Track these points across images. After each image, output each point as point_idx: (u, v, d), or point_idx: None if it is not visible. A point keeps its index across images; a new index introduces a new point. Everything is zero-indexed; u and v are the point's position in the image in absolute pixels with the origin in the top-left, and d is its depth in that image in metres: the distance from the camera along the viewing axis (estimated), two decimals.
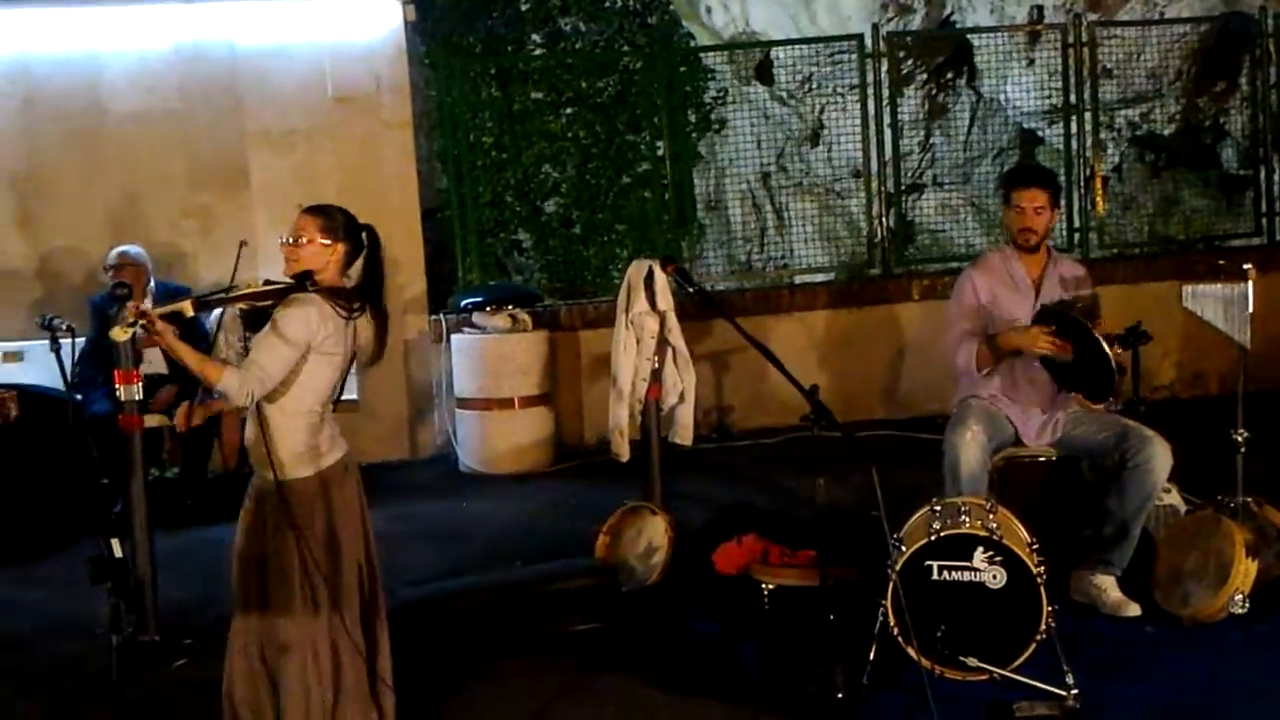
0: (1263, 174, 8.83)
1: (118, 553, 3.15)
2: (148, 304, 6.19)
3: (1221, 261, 4.59)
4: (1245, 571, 4.20)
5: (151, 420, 6.10)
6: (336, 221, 3.51)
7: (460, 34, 9.46)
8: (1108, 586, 4.44)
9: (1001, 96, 9.36)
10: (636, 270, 5.50)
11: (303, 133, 7.60)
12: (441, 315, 7.71)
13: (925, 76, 9.62)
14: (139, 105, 7.44)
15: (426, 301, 7.83)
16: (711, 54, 9.60)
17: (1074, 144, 8.57)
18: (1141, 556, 4.51)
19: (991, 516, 3.99)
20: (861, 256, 8.82)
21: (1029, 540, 4.01)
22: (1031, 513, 4.22)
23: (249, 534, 3.55)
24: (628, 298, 5.51)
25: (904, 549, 3.95)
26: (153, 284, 6.66)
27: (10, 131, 7.38)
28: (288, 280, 3.46)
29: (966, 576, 3.91)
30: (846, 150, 9.17)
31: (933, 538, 3.92)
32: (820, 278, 8.91)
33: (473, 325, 7.47)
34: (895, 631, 3.88)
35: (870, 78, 8.35)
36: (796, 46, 9.28)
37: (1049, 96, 8.85)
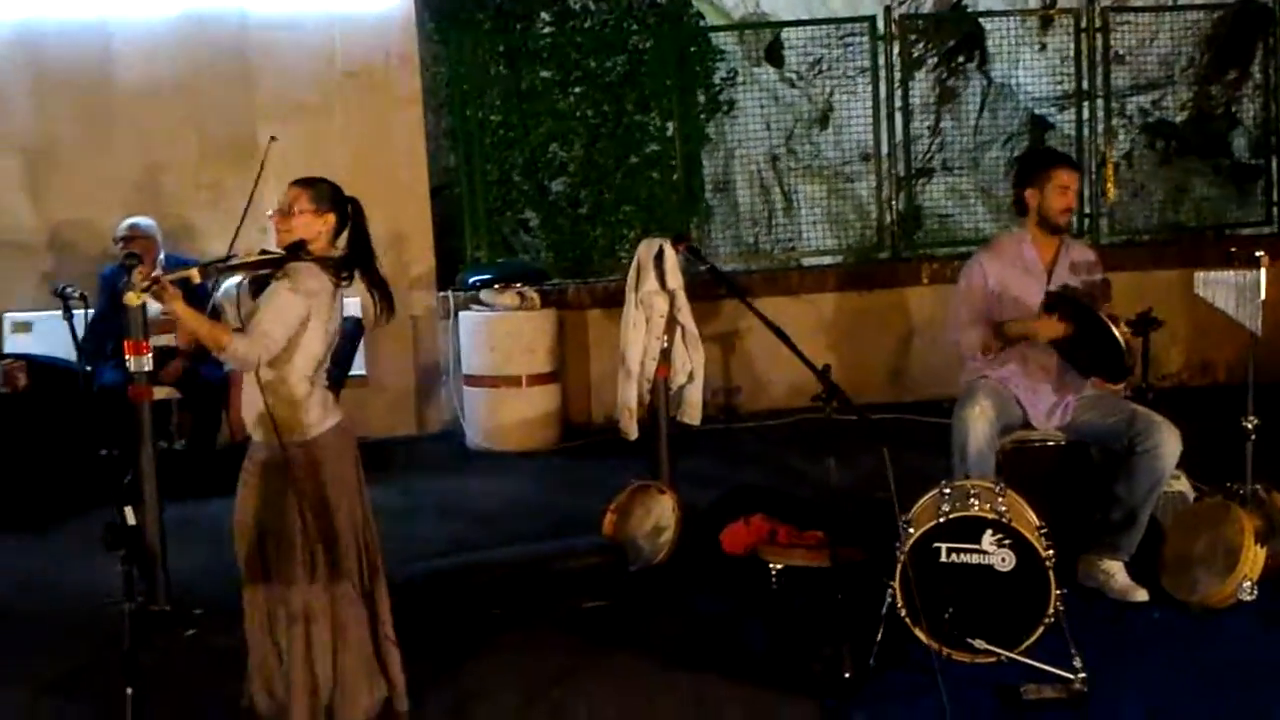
0: (1274, 163, 8.81)
1: (131, 520, 3.17)
2: (158, 271, 6.22)
3: (1234, 249, 4.57)
4: (1254, 558, 4.20)
5: (160, 392, 6.10)
6: (325, 192, 3.61)
7: (469, 10, 9.42)
8: (1115, 571, 4.45)
9: (1013, 82, 9.33)
10: (646, 249, 5.50)
11: (312, 106, 7.57)
12: (449, 292, 7.70)
13: (936, 60, 9.59)
14: (149, 75, 7.42)
15: (435, 278, 7.83)
16: (721, 34, 9.56)
17: (1085, 130, 8.55)
18: (1150, 542, 4.52)
19: (1001, 500, 4.00)
20: (870, 240, 8.80)
21: (1038, 524, 4.01)
22: (1040, 497, 4.23)
23: (248, 503, 3.60)
24: (637, 276, 5.50)
25: (912, 531, 3.95)
26: (163, 256, 6.65)
27: (20, 101, 7.36)
28: (281, 251, 3.53)
29: (975, 559, 3.91)
30: (856, 133, 9.14)
31: (942, 520, 3.92)
32: (828, 260, 8.90)
33: (481, 302, 7.46)
34: (903, 613, 3.88)
35: (881, 60, 8.32)
36: (807, 28, 9.24)
37: (1060, 82, 8.82)
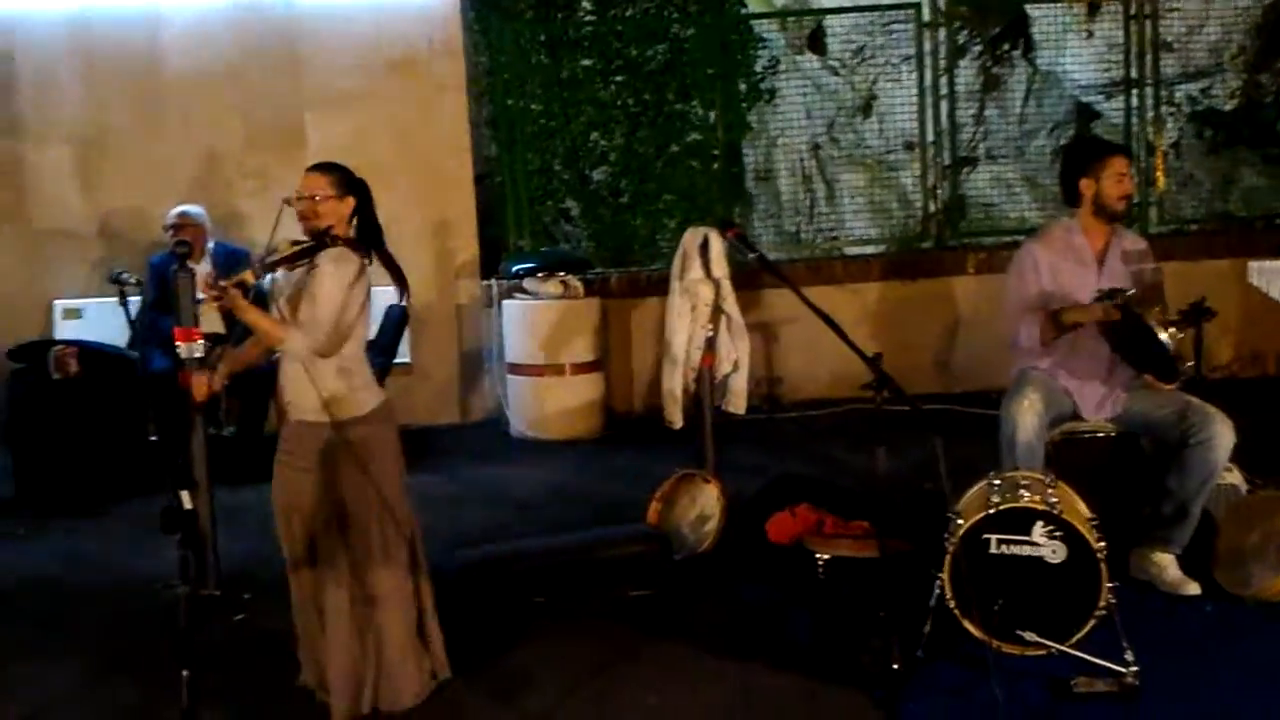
0: None
1: (188, 505, 3.21)
2: (206, 266, 6.30)
3: None
4: None
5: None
6: (344, 177, 3.70)
7: (511, 1, 9.43)
8: (1167, 565, 4.41)
9: (1059, 69, 9.23)
10: (691, 237, 5.50)
11: (358, 94, 7.62)
12: (493, 280, 7.73)
13: (980, 48, 9.51)
14: (197, 64, 7.49)
15: (479, 266, 7.85)
16: (763, 22, 9.51)
17: (1133, 119, 8.45)
18: (1202, 535, 4.47)
19: (1051, 491, 3.96)
20: (913, 229, 8.75)
21: (1089, 516, 3.97)
22: (1090, 489, 4.18)
23: (294, 484, 3.66)
24: (682, 265, 5.50)
25: (961, 522, 3.92)
26: (211, 244, 6.72)
27: (71, 90, 7.45)
28: (308, 240, 3.62)
29: (1025, 551, 3.88)
30: (899, 122, 9.09)
31: (991, 511, 3.89)
32: (870, 250, 8.86)
33: (524, 291, 7.48)
34: (952, 604, 3.86)
35: (927, 47, 8.26)
36: (850, 15, 9.18)
37: (1107, 70, 8.72)
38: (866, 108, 9.82)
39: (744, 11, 9.96)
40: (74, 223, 7.48)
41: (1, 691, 4.03)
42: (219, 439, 6.66)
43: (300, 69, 7.59)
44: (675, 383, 5.40)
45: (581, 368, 7.35)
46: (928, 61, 8.27)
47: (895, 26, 9.06)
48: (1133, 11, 8.34)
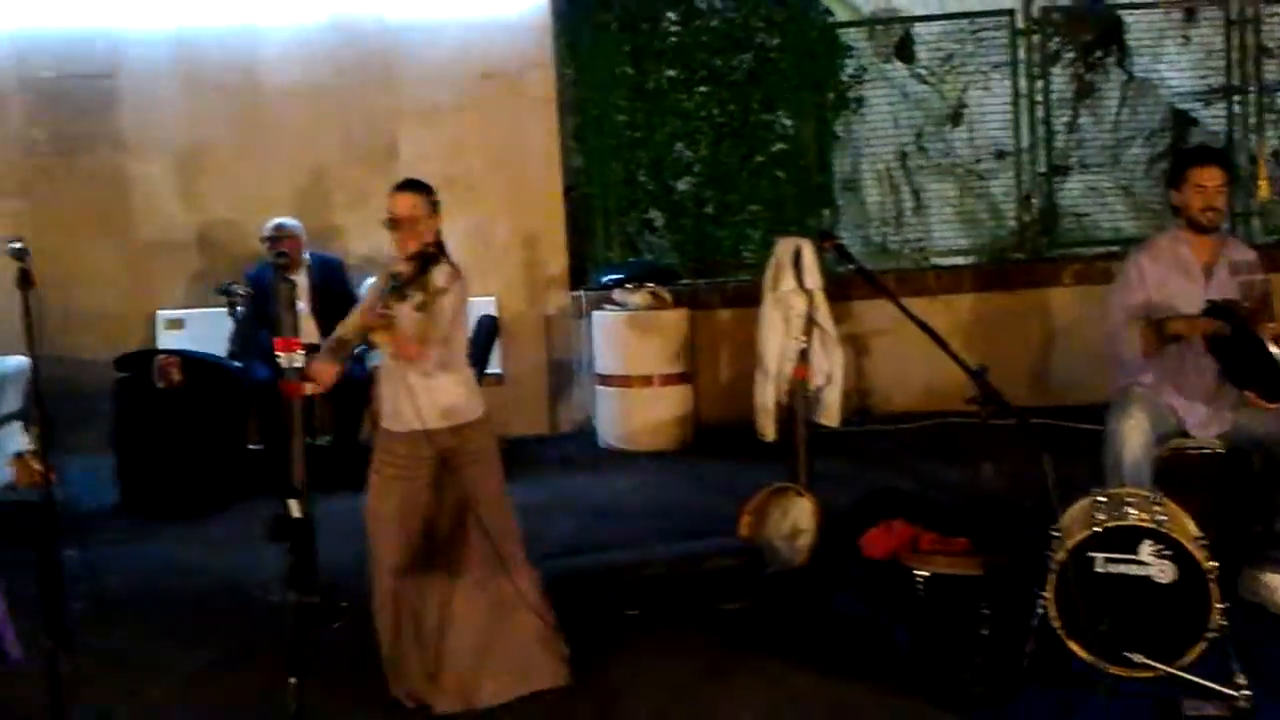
0: None
1: (296, 513, 3.27)
2: (303, 277, 6.40)
3: None
4: None
5: (307, 387, 6.26)
6: (432, 193, 3.82)
7: (595, 11, 9.48)
8: (1278, 586, 4.28)
9: (1154, 76, 9.05)
10: (784, 248, 5.48)
11: (450, 107, 7.71)
12: (582, 292, 7.76)
13: (1073, 55, 9.35)
14: (294, 79, 7.64)
15: (568, 277, 7.90)
16: (849, 30, 9.46)
17: (1234, 126, 8.25)
18: None
19: (1159, 509, 3.87)
20: (1003, 240, 8.62)
21: (1197, 535, 3.88)
22: (1198, 507, 4.07)
23: (401, 494, 3.77)
24: (775, 276, 5.49)
25: (1065, 540, 3.85)
26: (308, 255, 6.84)
27: (173, 106, 7.64)
28: (413, 255, 3.74)
29: (1133, 570, 3.79)
30: (989, 130, 8.96)
31: (1097, 529, 3.81)
32: (960, 261, 8.74)
33: (613, 302, 7.51)
34: (1057, 624, 3.79)
35: (1020, 55, 8.15)
36: (939, 23, 9.08)
37: (1205, 77, 8.52)
38: (956, 116, 9.70)
39: (830, 20, 9.91)
40: (175, 235, 7.66)
41: (112, 696, 4.13)
42: (313, 447, 6.78)
43: (394, 83, 7.71)
44: (768, 395, 5.39)
45: (670, 379, 7.35)
46: (1021, 69, 8.14)
47: (986, 34, 8.94)
48: (1233, 17, 8.14)
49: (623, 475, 6.83)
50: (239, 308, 6.30)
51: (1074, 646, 3.76)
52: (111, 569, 5.40)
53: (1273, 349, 4.13)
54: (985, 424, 3.55)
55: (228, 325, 6.51)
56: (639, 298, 7.41)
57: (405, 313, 3.70)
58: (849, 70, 9.38)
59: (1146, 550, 3.79)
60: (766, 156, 8.94)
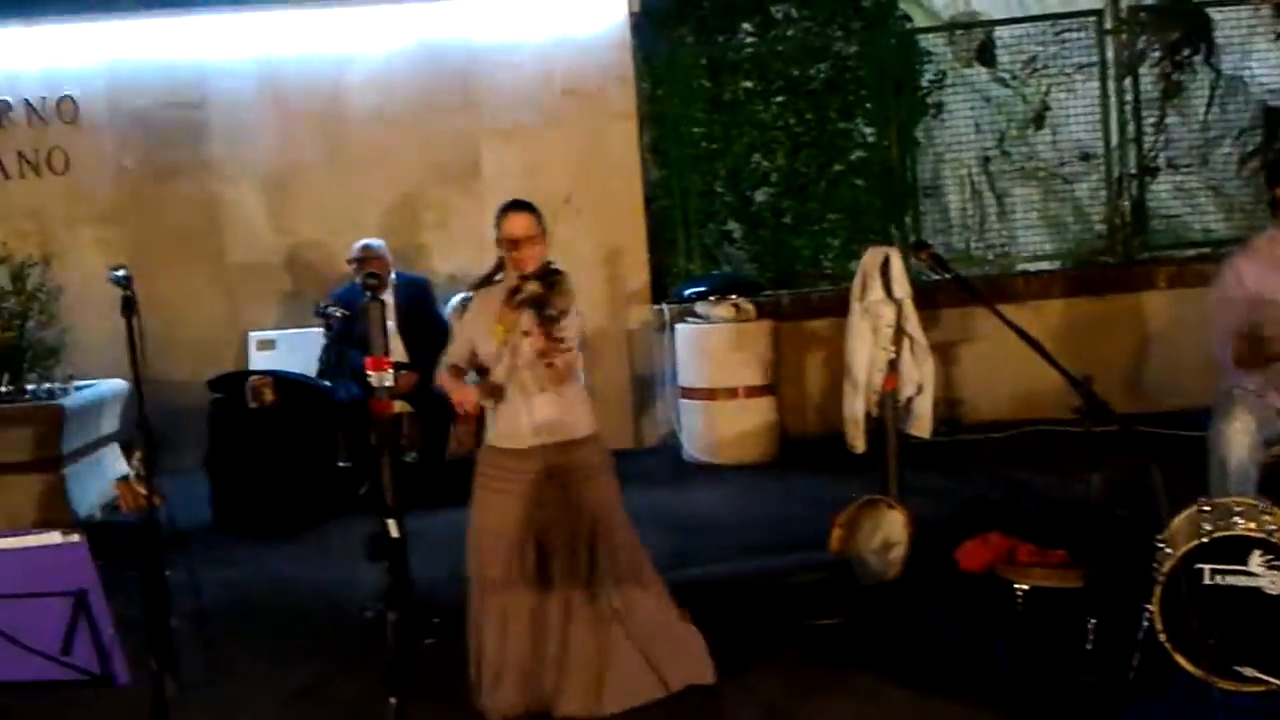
0: None
1: (394, 533, 3.31)
2: (390, 297, 6.48)
3: None
4: None
5: (396, 405, 6.35)
6: (540, 214, 3.91)
7: (672, 25, 9.49)
8: None
9: (1244, 74, 8.83)
10: (872, 257, 5.42)
11: (532, 126, 7.77)
12: (664, 305, 7.76)
13: (1160, 54, 9.16)
14: (380, 103, 7.77)
15: (650, 291, 7.90)
16: (928, 36, 9.36)
17: None
18: None
19: (1268, 518, 3.75)
20: (1090, 243, 8.46)
21: None
22: None
23: (522, 509, 3.80)
24: (862, 286, 5.43)
25: (1171, 551, 3.75)
26: (394, 275, 6.93)
27: (263, 131, 7.81)
28: (534, 274, 3.80)
29: (1242, 581, 3.68)
30: (1074, 132, 8.82)
31: (1204, 539, 3.71)
32: (1045, 266, 8.60)
33: (695, 315, 7.49)
34: (1164, 638, 3.69)
35: (1108, 55, 8.00)
36: (1020, 25, 8.95)
37: None
38: (1039, 119, 9.55)
39: (909, 26, 9.82)
40: (265, 257, 7.81)
41: (214, 715, 4.19)
42: (401, 465, 6.85)
43: (476, 102, 7.80)
44: (857, 407, 5.33)
45: (754, 391, 7.31)
46: (1112, 70, 8.00)
47: (1069, 35, 8.80)
48: None
49: (708, 489, 6.80)
50: (334, 328, 6.39)
51: (1181, 660, 3.66)
52: (207, 586, 5.50)
53: None
54: (1088, 432, 3.45)
55: (318, 345, 6.62)
56: (722, 310, 7.38)
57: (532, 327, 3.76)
58: (928, 76, 9.31)
59: (1256, 561, 3.68)
60: (845, 165, 8.89)
